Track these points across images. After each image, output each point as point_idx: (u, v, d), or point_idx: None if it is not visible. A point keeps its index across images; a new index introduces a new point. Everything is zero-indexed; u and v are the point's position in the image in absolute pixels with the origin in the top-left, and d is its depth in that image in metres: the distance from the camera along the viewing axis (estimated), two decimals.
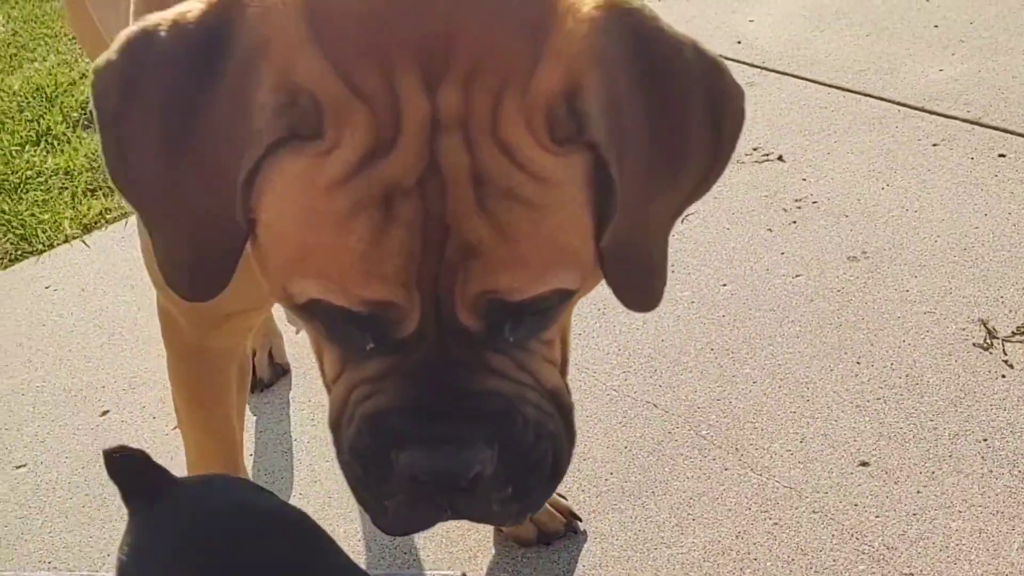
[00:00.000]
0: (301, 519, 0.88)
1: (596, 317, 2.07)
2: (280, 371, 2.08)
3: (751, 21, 3.38)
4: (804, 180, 2.43)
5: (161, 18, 0.71)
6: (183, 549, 0.79)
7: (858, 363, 1.86)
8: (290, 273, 0.72)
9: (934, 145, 2.48)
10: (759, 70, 3.01)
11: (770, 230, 2.24)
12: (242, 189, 0.70)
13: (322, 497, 1.74)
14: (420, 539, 1.62)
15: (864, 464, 1.66)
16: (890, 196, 2.31)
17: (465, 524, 1.61)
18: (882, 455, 1.67)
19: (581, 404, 1.84)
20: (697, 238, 2.20)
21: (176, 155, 0.70)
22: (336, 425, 0.81)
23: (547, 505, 1.61)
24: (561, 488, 1.67)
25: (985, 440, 1.67)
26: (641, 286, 0.82)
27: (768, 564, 1.52)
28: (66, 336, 2.31)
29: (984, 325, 1.90)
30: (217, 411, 1.35)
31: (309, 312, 0.75)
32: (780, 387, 1.83)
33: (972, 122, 2.55)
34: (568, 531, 1.61)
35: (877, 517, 1.57)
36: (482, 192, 0.68)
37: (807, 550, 1.53)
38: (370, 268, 0.69)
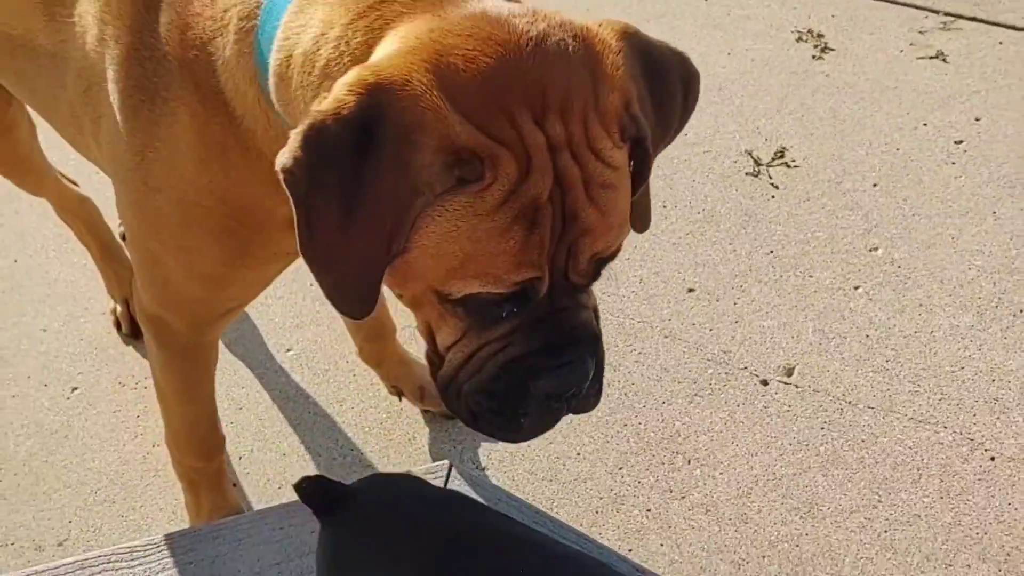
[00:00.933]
0: (473, 501, 1.11)
1: None
2: None
3: None
4: None
5: (324, 113, 0.89)
6: (386, 548, 0.99)
7: (664, 206, 2.28)
8: (449, 278, 0.95)
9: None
10: None
11: None
12: (404, 232, 0.92)
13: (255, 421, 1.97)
14: (408, 437, 1.91)
15: (691, 290, 2.11)
16: None
17: (447, 424, 1.91)
18: (701, 280, 2.12)
19: None
20: None
21: (349, 220, 0.90)
22: (452, 377, 1.06)
23: None
24: None
25: (771, 252, 2.16)
26: (646, 216, 1.15)
27: (643, 385, 1.95)
28: None
29: (750, 155, 2.36)
30: (206, 388, 1.53)
31: (457, 303, 0.98)
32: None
33: None
34: None
35: (711, 330, 2.03)
36: (589, 190, 0.94)
37: (668, 367, 1.97)
38: (520, 260, 0.93)
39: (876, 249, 2.13)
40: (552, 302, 1.00)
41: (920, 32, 2.62)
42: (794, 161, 2.34)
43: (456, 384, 1.08)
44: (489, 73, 0.90)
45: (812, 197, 2.25)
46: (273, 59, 1.04)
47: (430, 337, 1.08)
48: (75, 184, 2.13)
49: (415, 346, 2.05)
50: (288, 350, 2.11)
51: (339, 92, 0.90)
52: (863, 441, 1.80)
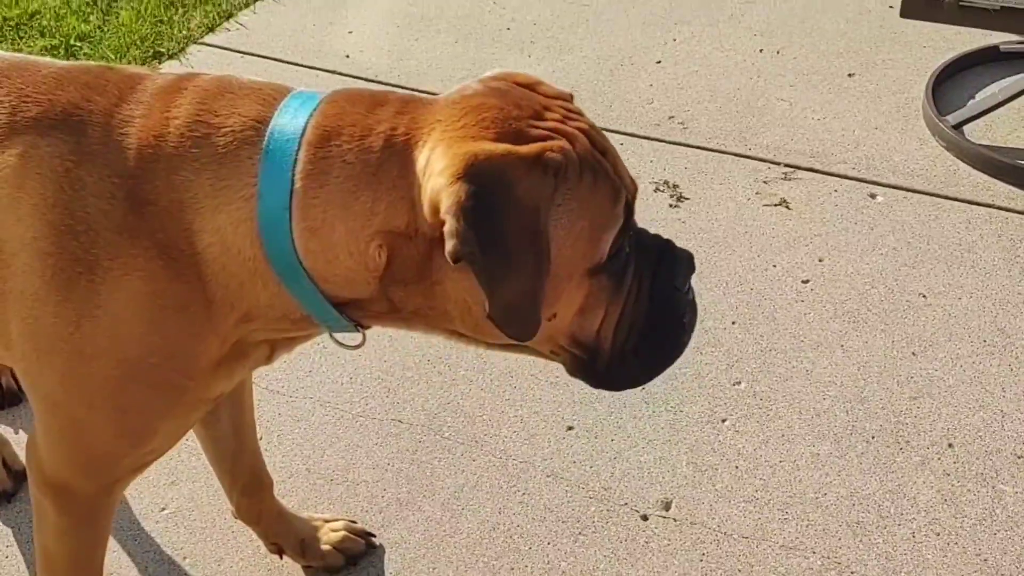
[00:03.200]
0: None
1: (319, 353, 2.35)
2: (20, 476, 2.10)
3: (350, 33, 3.71)
4: None
5: (454, 205, 1.08)
6: None
7: None
8: (592, 249, 1.18)
9: None
10: (370, 83, 3.36)
11: None
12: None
13: None
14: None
15: (570, 428, 2.18)
16: None
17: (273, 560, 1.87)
18: (580, 417, 2.20)
19: (337, 436, 2.16)
20: None
21: (507, 267, 1.11)
22: (619, 350, 1.26)
23: (345, 531, 1.92)
24: (349, 513, 2.00)
25: (643, 388, 2.25)
26: None
27: (528, 527, 1.97)
28: None
29: None
30: (101, 553, 1.49)
31: (602, 269, 1.20)
32: (490, 379, 2.28)
33: None
34: (368, 548, 1.93)
35: (591, 467, 2.09)
36: (595, 131, 1.23)
37: (552, 507, 2.01)
38: (613, 194, 1.19)
39: (739, 383, 2.26)
40: (633, 224, 1.25)
41: (764, 182, 2.86)
42: None
43: (620, 355, 1.26)
44: (499, 117, 1.15)
45: None
46: (297, 218, 1.15)
47: (576, 343, 1.25)
48: None
49: (291, 500, 2.04)
50: (163, 508, 2.05)
51: (448, 190, 1.09)
52: (739, 571, 1.87)
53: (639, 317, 1.25)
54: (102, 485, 1.37)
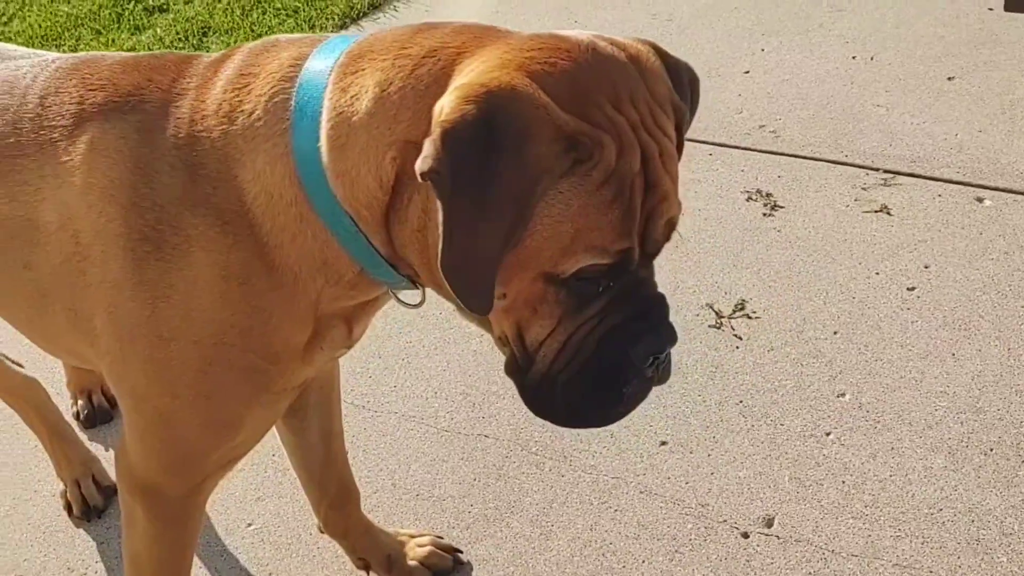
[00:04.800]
0: None
1: (403, 367, 2.31)
2: (110, 492, 2.10)
3: None
4: None
5: (451, 120, 0.97)
6: None
7: None
8: (559, 258, 1.05)
9: None
10: None
11: None
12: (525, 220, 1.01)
13: None
14: None
15: (664, 443, 2.08)
16: None
17: None
18: (673, 432, 2.10)
19: (423, 451, 2.10)
20: None
21: (479, 217, 0.98)
22: (546, 372, 1.13)
23: (432, 547, 1.86)
24: (435, 528, 1.94)
25: (741, 402, 2.15)
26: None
27: (621, 545, 1.88)
28: None
29: (711, 308, 2.40)
30: (190, 556, 1.46)
31: (562, 283, 1.07)
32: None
33: None
34: (455, 564, 1.86)
35: (687, 483, 1.99)
36: (663, 160, 1.08)
37: (646, 524, 1.92)
38: (621, 230, 1.06)
39: (843, 395, 2.13)
40: (635, 272, 1.11)
41: (863, 188, 2.73)
42: (755, 313, 2.37)
43: (550, 378, 1.13)
44: (570, 73, 1.04)
45: (776, 347, 2.27)
46: (326, 136, 1.09)
47: (519, 339, 1.14)
48: (20, 366, 2.08)
49: (376, 515, 1.99)
50: (249, 524, 2.02)
51: (455, 103, 0.99)
52: None
53: (582, 355, 1.12)
54: (191, 484, 1.35)
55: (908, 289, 2.38)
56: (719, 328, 2.34)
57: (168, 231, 1.15)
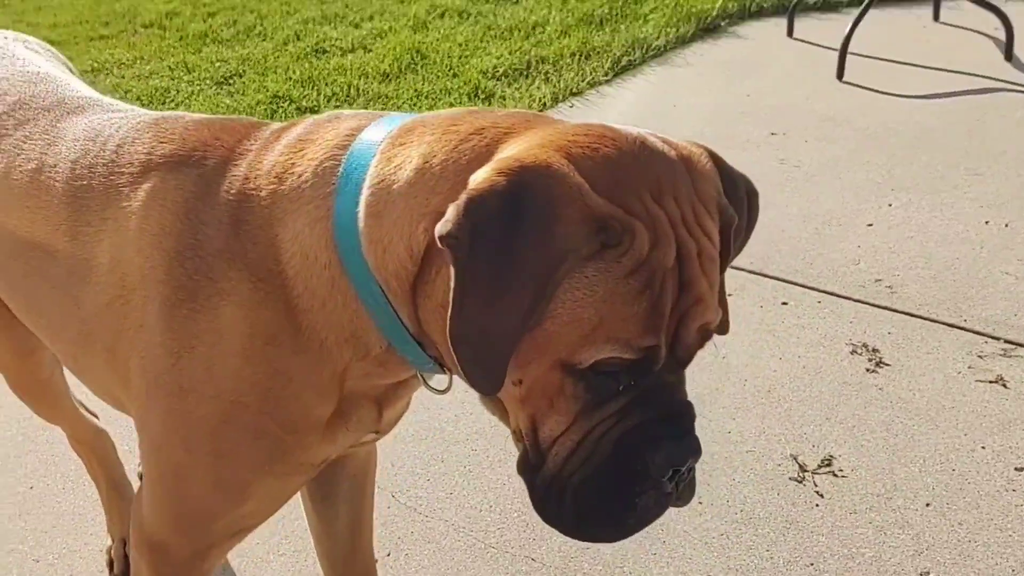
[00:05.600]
0: None
1: (463, 475, 2.25)
2: None
3: None
4: None
5: (479, 189, 0.96)
6: None
7: (700, 503, 2.15)
8: (579, 346, 1.00)
9: (729, 295, 2.88)
10: None
11: None
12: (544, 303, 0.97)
13: None
14: None
15: None
16: None
17: None
18: None
19: (466, 564, 2.01)
20: None
21: (497, 290, 0.95)
22: (556, 473, 1.07)
23: None
24: None
25: (812, 564, 1.98)
26: (726, 316, 1.15)
27: None
28: None
29: (795, 460, 2.25)
30: None
31: (581, 375, 1.02)
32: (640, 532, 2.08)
33: (757, 273, 2.99)
34: None
35: None
36: (702, 261, 1.03)
37: None
38: (648, 325, 1.00)
39: (928, 573, 1.93)
40: (661, 375, 1.04)
41: (980, 356, 2.55)
42: (842, 471, 2.21)
43: (560, 480, 1.07)
44: (612, 160, 1.01)
45: (859, 510, 2.10)
46: (365, 202, 1.09)
47: (532, 434, 1.08)
48: (94, 416, 2.12)
49: None
50: None
51: (487, 174, 0.98)
52: None
53: (597, 457, 1.05)
54: (197, 548, 1.31)
55: (1016, 469, 2.17)
56: (800, 482, 2.18)
57: (203, 281, 1.15)
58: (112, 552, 2.08)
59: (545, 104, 4.44)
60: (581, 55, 4.95)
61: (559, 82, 4.64)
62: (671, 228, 1.01)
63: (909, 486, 2.15)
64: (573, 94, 4.59)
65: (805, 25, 5.22)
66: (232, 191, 1.18)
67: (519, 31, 5.36)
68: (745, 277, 2.97)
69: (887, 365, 2.55)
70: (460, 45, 5.22)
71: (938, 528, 2.04)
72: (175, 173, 1.22)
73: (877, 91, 4.30)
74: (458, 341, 0.98)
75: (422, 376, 1.22)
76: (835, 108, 4.15)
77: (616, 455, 1.05)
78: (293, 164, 1.16)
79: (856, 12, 4.58)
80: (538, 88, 4.60)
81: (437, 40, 5.33)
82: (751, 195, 1.16)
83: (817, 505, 2.12)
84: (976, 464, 2.20)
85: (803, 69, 4.64)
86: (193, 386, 1.17)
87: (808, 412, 2.40)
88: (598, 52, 4.96)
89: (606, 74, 4.75)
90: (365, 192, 1.09)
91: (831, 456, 2.25)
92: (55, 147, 1.36)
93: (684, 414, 1.08)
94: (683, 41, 5.16)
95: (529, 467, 1.10)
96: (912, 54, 4.70)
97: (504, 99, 4.48)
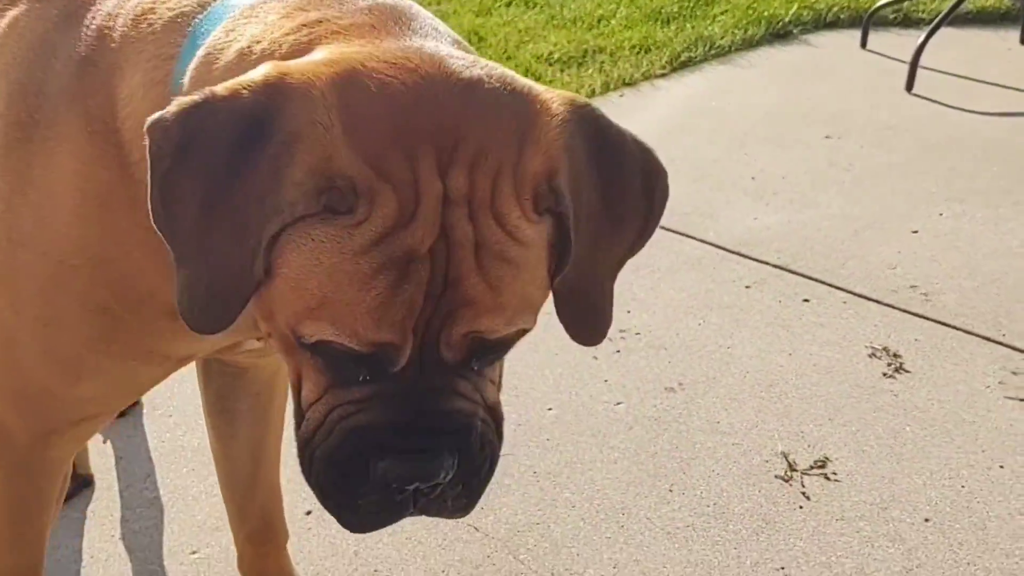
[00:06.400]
0: None
1: None
2: (83, 483, 1.97)
3: None
4: (628, 312, 2.56)
5: (216, 95, 0.80)
6: None
7: (670, 491, 1.94)
8: (304, 318, 0.84)
9: (747, 287, 2.67)
10: None
11: (595, 358, 2.33)
12: (266, 247, 0.81)
13: None
14: None
15: None
16: (706, 332, 2.46)
17: None
18: None
19: (395, 528, 1.84)
20: (527, 360, 2.27)
21: (211, 214, 0.80)
22: (308, 440, 0.93)
23: None
24: None
25: (783, 568, 1.76)
26: (586, 323, 0.97)
27: None
28: None
29: (786, 458, 2.02)
30: (36, 525, 1.28)
31: (313, 349, 0.87)
32: (597, 512, 1.88)
33: (781, 268, 2.77)
34: None
35: None
36: (480, 255, 0.84)
37: None
38: (381, 317, 0.82)
39: None
40: (422, 378, 0.88)
41: (1013, 372, 2.28)
42: (835, 475, 1.98)
43: (310, 448, 0.94)
44: (401, 104, 0.83)
45: (848, 518, 1.87)
46: (188, 76, 0.94)
47: (296, 392, 0.94)
48: None
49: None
50: (193, 552, 1.82)
51: (239, 82, 0.82)
52: None
53: (331, 441, 0.91)
54: (37, 431, 1.18)
55: None
56: (787, 481, 1.96)
57: (43, 121, 1.02)
58: None
59: (595, 91, 4.27)
60: (641, 48, 4.77)
61: (613, 71, 4.47)
62: (440, 205, 0.82)
63: (909, 498, 1.91)
64: (626, 84, 4.41)
65: (881, 39, 4.94)
66: (91, 28, 1.04)
67: (582, 22, 5.21)
68: (768, 271, 2.75)
69: (907, 372, 2.30)
70: (520, 31, 5.10)
71: (935, 546, 1.80)
72: (44, 4, 1.09)
73: (946, 105, 4.02)
74: (173, 242, 0.83)
75: None
76: (898, 117, 3.89)
77: (342, 447, 0.90)
78: (154, 9, 1.01)
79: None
80: (591, 76, 4.43)
81: (498, 25, 5.21)
82: (650, 175, 0.95)
83: (801, 507, 1.90)
84: (990, 483, 1.95)
85: (871, 79, 4.38)
86: (22, 239, 1.04)
87: (809, 411, 2.17)
88: (658, 46, 4.78)
89: (663, 67, 4.55)
90: (194, 62, 0.95)
91: (826, 458, 2.02)
92: None
93: (437, 430, 0.89)
94: (750, 44, 4.92)
95: (296, 421, 0.96)
96: (990, 73, 4.40)
97: (554, 83, 4.33)
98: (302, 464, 0.96)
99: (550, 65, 4.59)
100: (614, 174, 0.91)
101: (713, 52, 4.78)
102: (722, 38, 4.88)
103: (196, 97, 0.81)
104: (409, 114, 0.82)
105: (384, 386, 0.88)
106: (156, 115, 0.81)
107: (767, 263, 2.78)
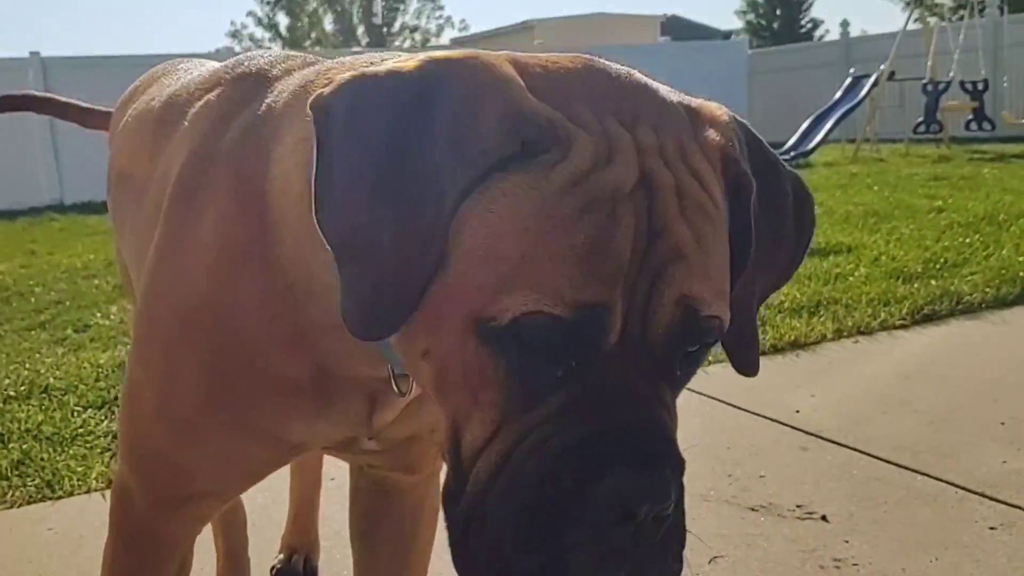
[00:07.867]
0: None
1: None
2: None
3: (812, 396, 3.37)
4: (846, 542, 2.26)
5: (379, 69, 0.81)
6: None
7: None
8: (497, 292, 0.74)
9: (991, 528, 2.31)
10: (812, 437, 2.94)
11: None
12: (441, 229, 0.75)
13: None
14: None
15: None
16: (938, 569, 2.12)
17: None
18: None
19: None
20: None
21: (379, 194, 0.76)
22: (479, 500, 0.77)
23: None
24: None
25: None
26: (748, 348, 0.89)
27: None
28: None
29: None
30: None
31: (500, 339, 0.75)
32: None
33: None
34: None
35: None
36: (683, 203, 0.78)
37: None
38: (590, 268, 0.73)
39: None
40: (624, 376, 0.76)
41: None
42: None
43: (483, 508, 0.77)
44: (574, 77, 0.82)
45: None
46: None
47: (454, 445, 0.80)
48: None
49: None
50: None
51: (399, 59, 0.83)
52: None
53: (521, 481, 0.74)
54: (151, 498, 1.16)
55: None
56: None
57: (203, 181, 1.08)
58: None
59: (826, 336, 4.09)
60: (880, 301, 4.57)
61: (847, 320, 4.28)
62: (634, 151, 0.78)
63: None
64: (861, 332, 4.20)
65: None
66: (266, 100, 1.11)
67: (818, 279, 5.11)
68: (1018, 514, 2.36)
69: None
70: None
71: None
72: (233, 85, 1.18)
73: None
74: (330, 232, 0.78)
75: (392, 370, 0.98)
76: None
77: (545, 481, 0.74)
78: (315, 81, 1.07)
79: None
80: (823, 324, 4.27)
81: None
82: (801, 200, 0.90)
83: None
84: None
85: None
86: (163, 291, 1.08)
87: None
88: (898, 300, 4.56)
89: (903, 318, 4.32)
90: None
91: None
92: (158, 96, 1.42)
93: (657, 437, 0.76)
94: (1004, 302, 4.60)
95: (450, 496, 0.82)
96: None
97: (781, 328, 4.20)
98: (462, 547, 0.80)
99: (779, 312, 4.48)
100: (772, 190, 0.86)
101: (961, 307, 4.50)
102: (971, 294, 4.60)
103: (357, 71, 0.81)
104: (579, 83, 0.82)
105: (580, 388, 0.75)
106: (317, 93, 0.81)
107: (1018, 507, 2.41)
